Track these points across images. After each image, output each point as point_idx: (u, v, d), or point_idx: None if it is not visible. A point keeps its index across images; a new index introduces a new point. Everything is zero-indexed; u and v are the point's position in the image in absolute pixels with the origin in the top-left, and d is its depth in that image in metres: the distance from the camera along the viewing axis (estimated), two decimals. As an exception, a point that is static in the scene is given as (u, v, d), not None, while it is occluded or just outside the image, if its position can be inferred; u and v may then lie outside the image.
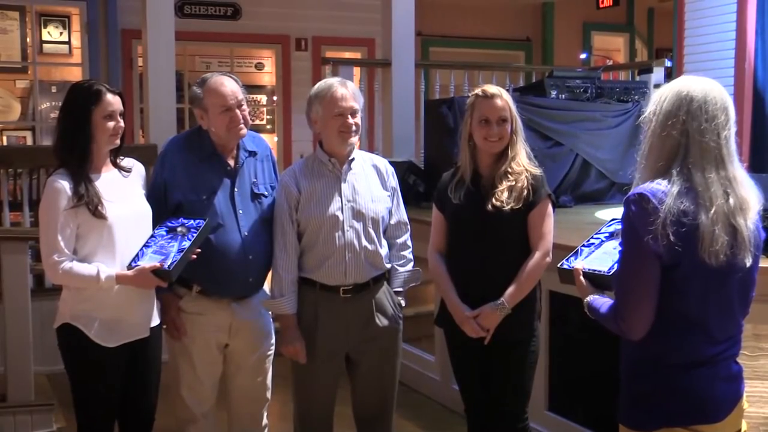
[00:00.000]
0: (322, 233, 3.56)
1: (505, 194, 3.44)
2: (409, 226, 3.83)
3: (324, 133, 3.62)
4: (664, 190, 2.40)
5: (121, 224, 3.35)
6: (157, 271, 3.29)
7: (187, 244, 3.35)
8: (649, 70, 7.62)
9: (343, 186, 3.60)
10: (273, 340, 3.85)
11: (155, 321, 3.55)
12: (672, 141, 2.46)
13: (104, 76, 9.07)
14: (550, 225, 3.51)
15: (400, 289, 3.76)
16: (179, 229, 3.42)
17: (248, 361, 3.77)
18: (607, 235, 2.87)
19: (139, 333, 3.45)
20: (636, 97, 7.15)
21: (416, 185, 6.42)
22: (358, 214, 3.58)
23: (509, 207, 3.42)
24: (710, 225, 2.37)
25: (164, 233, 3.42)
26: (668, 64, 8.15)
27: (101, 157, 3.40)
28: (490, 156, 3.53)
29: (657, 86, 7.38)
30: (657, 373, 2.50)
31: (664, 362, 2.49)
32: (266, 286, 3.83)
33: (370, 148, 7.32)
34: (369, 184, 3.65)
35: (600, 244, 2.84)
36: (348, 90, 3.56)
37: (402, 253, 3.76)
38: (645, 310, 2.45)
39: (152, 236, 3.42)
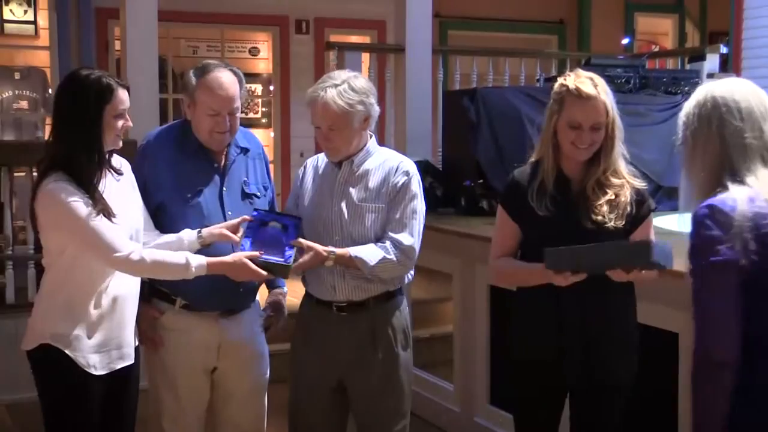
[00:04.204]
0: (311, 238, 3.57)
1: (605, 208, 3.31)
2: (406, 247, 3.59)
3: None
4: (733, 197, 2.51)
5: (130, 238, 3.38)
6: (269, 265, 3.40)
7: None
8: (702, 58, 7.63)
9: (336, 190, 3.62)
10: (268, 362, 3.87)
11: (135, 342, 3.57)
12: (710, 153, 2.61)
13: (76, 61, 9.07)
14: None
15: (363, 260, 3.51)
16: (272, 223, 3.56)
17: (240, 387, 3.78)
18: None
19: (127, 359, 3.45)
20: (686, 88, 7.13)
21: (433, 188, 6.43)
22: (352, 223, 3.59)
23: (612, 223, 3.30)
24: None
25: (257, 225, 3.54)
26: (724, 50, 8.14)
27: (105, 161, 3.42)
28: (579, 161, 3.39)
29: (710, 76, 7.38)
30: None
31: None
32: (258, 304, 3.86)
33: (381, 146, 7.33)
34: (368, 192, 3.64)
35: None
36: (328, 100, 3.50)
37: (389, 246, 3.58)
38: (730, 327, 2.51)
39: (248, 227, 3.53)
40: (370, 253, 3.52)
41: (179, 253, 3.37)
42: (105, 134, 3.31)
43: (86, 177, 3.27)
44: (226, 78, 3.62)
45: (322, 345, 3.64)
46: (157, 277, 3.46)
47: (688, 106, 2.69)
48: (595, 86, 3.30)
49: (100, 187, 3.32)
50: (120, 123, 3.35)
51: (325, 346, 3.63)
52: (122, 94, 3.35)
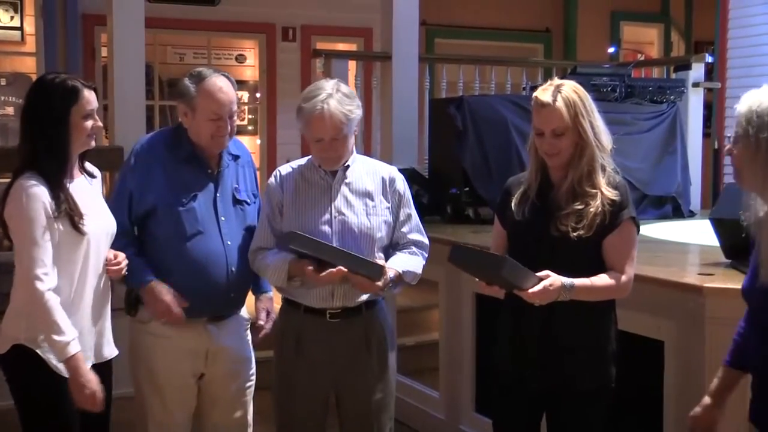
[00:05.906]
0: None
1: (572, 219, 3.29)
2: (425, 245, 3.78)
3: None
4: None
5: (96, 240, 3.36)
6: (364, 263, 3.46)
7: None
8: (687, 67, 7.64)
9: (333, 197, 3.62)
10: (254, 368, 3.87)
11: (113, 352, 3.54)
12: None
13: (62, 67, 9.06)
14: (634, 251, 3.38)
15: (400, 271, 3.60)
16: None
17: (226, 393, 3.79)
18: None
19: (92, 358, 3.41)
20: (672, 97, 7.17)
21: (419, 196, 6.42)
22: (349, 230, 3.59)
23: (576, 234, 3.28)
24: None
25: None
26: (709, 59, 8.16)
27: (73, 161, 3.42)
28: (560, 170, 3.40)
29: (696, 85, 7.42)
30: None
31: None
32: (243, 310, 3.87)
33: (367, 154, 7.34)
34: (365, 197, 3.66)
35: None
36: (333, 111, 3.49)
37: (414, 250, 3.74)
38: None
39: None
40: (412, 263, 3.67)
41: (72, 329, 3.24)
42: (73, 135, 3.33)
43: (52, 175, 3.29)
44: (223, 82, 3.66)
45: (315, 353, 3.62)
46: (39, 327, 3.27)
47: (761, 102, 2.56)
48: (556, 94, 3.31)
49: (74, 187, 3.35)
50: (89, 123, 3.37)
51: (319, 354, 3.62)
52: (89, 94, 3.37)
